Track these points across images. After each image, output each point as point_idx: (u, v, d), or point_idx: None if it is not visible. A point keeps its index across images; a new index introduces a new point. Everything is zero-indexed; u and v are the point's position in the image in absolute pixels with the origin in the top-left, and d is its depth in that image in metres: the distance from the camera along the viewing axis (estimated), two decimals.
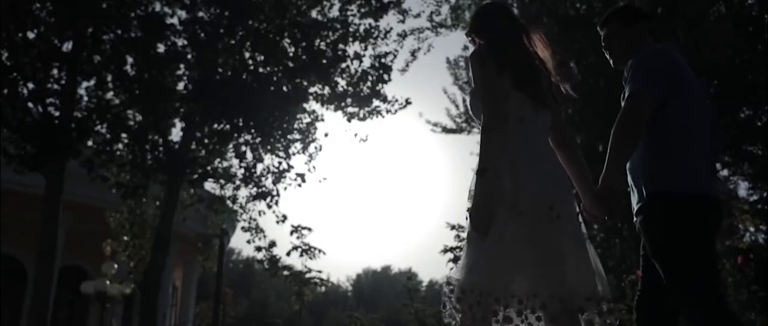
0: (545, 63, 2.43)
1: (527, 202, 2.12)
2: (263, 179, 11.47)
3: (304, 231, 12.28)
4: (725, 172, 15.89)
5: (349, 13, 11.24)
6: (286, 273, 11.31)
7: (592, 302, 2.09)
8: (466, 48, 16.91)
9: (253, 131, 10.79)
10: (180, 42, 10.48)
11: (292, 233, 12.20)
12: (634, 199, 2.42)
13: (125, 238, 12.56)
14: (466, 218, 2.22)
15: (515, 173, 2.17)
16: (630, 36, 2.55)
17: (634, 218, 2.42)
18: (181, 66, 10.51)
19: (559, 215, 2.14)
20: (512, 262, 2.08)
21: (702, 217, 2.28)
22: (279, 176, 11.44)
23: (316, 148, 11.66)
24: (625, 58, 2.44)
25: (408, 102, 11.56)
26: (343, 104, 11.44)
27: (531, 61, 2.38)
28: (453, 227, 6.56)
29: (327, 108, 11.55)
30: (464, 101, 16.87)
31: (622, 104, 2.35)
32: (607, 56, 2.65)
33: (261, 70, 10.83)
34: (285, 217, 11.86)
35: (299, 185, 11.53)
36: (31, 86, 9.25)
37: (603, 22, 2.67)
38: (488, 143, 2.18)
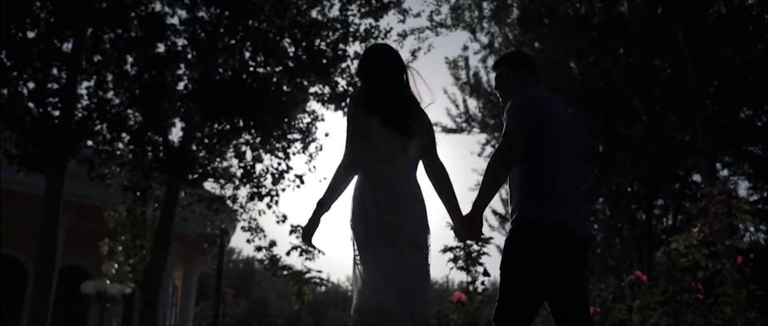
0: (415, 101, 2.67)
1: (390, 232, 2.41)
2: (262, 179, 11.49)
3: None
4: (725, 172, 15.93)
5: (349, 13, 11.25)
6: (286, 272, 11.27)
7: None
8: (466, 48, 16.95)
9: (253, 131, 10.79)
10: (180, 42, 10.51)
11: (291, 232, 12.19)
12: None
13: (124, 238, 12.56)
14: (351, 239, 2.53)
15: (379, 208, 2.44)
16: (516, 78, 2.78)
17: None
18: (181, 66, 10.52)
19: (420, 247, 2.46)
20: (386, 285, 2.37)
21: (553, 248, 2.44)
22: (278, 176, 11.46)
23: (316, 148, 11.69)
24: (510, 97, 2.66)
25: None
26: (343, 104, 11.44)
27: (401, 101, 2.60)
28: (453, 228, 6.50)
29: (327, 108, 11.57)
30: (464, 101, 16.93)
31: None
32: (498, 94, 2.87)
33: (261, 70, 10.83)
34: (285, 217, 11.85)
35: (297, 187, 11.55)
36: (31, 85, 9.24)
37: (495, 65, 2.91)
38: (337, 178, 2.50)
